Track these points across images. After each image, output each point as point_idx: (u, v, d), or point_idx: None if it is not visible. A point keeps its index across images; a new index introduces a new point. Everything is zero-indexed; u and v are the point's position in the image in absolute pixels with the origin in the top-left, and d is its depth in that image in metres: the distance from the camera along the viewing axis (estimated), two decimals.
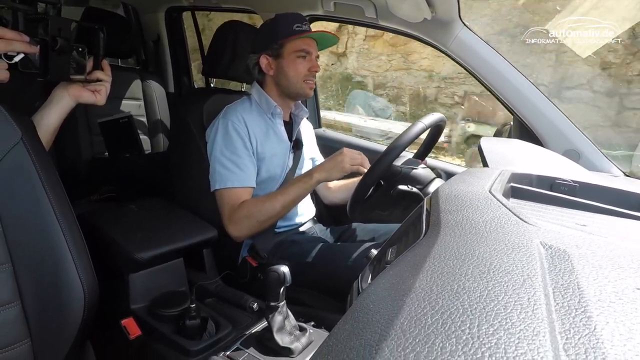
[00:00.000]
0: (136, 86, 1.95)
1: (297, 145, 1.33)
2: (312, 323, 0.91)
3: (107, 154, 1.72)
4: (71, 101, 0.81)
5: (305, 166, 1.37)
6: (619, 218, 0.51)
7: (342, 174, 1.12)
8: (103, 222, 1.05)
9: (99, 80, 0.82)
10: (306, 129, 1.43)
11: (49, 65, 0.68)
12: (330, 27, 4.47)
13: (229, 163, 1.16)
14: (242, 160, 1.17)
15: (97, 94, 0.82)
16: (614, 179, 0.77)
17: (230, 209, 1.16)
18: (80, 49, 0.75)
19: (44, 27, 0.68)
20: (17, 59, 0.65)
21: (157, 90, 2.01)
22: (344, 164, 1.11)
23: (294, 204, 1.20)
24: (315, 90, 1.86)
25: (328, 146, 1.73)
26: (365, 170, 1.09)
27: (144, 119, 1.98)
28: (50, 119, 0.80)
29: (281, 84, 1.24)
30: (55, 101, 0.80)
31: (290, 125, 1.34)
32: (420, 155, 1.33)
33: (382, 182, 1.14)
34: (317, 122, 1.95)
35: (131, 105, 1.92)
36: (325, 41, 1.27)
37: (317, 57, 1.25)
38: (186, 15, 2.19)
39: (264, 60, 1.23)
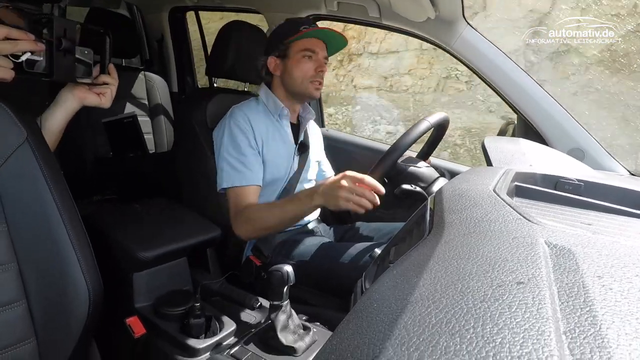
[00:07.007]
0: (140, 86, 1.96)
1: (302, 148, 1.32)
2: (317, 322, 0.91)
3: (111, 154, 1.72)
4: (76, 103, 0.81)
5: (311, 169, 1.37)
6: (625, 217, 0.51)
7: (337, 208, 1.03)
8: (107, 222, 1.06)
9: (105, 83, 0.82)
10: (314, 131, 1.43)
11: (53, 65, 0.69)
12: None
13: (236, 162, 1.16)
14: (248, 159, 1.17)
15: (102, 97, 0.83)
16: (619, 178, 0.77)
17: (235, 208, 1.15)
18: (85, 52, 0.75)
19: (49, 28, 0.68)
20: (23, 58, 0.65)
21: (161, 89, 2.02)
22: (339, 200, 1.00)
23: (291, 222, 1.16)
24: None
25: (332, 146, 1.73)
26: (363, 212, 1.02)
27: (148, 119, 1.99)
28: (55, 120, 0.80)
29: (287, 84, 1.24)
30: (61, 103, 0.80)
31: (297, 128, 1.33)
32: (424, 155, 1.33)
33: (387, 181, 1.13)
34: (320, 121, 1.95)
35: (135, 105, 1.93)
36: (335, 44, 1.26)
37: (326, 58, 1.24)
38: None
39: (271, 61, 1.24)
